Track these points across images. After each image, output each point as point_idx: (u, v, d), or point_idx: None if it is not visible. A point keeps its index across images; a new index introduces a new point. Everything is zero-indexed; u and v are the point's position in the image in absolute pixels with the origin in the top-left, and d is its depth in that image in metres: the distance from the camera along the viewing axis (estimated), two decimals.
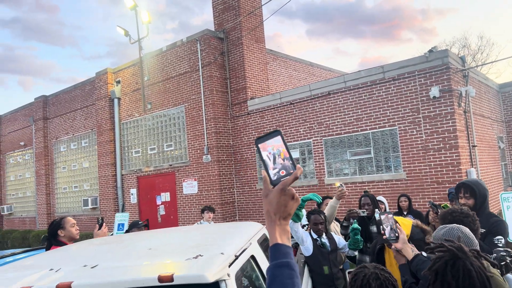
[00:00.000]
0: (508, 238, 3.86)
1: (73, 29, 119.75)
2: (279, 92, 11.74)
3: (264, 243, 2.98)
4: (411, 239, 3.64)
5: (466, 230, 2.20)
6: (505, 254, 2.13)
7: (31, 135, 18.44)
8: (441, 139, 8.64)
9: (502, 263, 2.07)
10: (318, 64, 17.05)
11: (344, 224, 4.42)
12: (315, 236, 4.06)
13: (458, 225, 2.26)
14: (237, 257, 2.14)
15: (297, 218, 3.64)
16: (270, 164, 1.10)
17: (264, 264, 2.60)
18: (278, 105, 11.32)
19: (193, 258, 1.99)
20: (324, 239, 4.06)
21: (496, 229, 2.96)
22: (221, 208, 11.57)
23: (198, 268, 1.82)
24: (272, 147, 1.11)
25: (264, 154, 1.11)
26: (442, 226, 2.30)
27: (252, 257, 2.46)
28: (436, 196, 8.55)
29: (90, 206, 14.91)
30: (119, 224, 8.77)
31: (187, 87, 12.48)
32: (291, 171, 1.08)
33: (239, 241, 2.45)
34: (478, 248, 2.10)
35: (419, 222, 3.66)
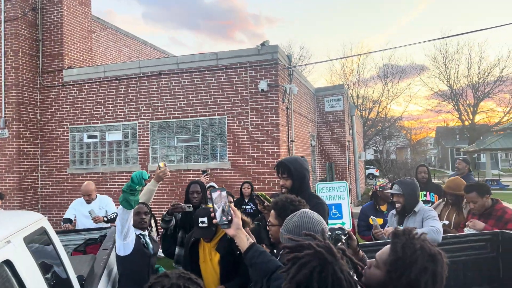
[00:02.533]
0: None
1: None
2: (104, 65, 10.39)
3: (39, 240, 2.16)
4: None
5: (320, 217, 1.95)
6: (340, 232, 1.88)
7: None
8: (265, 131, 8.91)
9: (339, 244, 1.82)
10: (152, 44, 16.03)
11: (166, 218, 3.79)
12: (137, 231, 3.28)
13: (310, 211, 1.96)
14: None
15: (128, 205, 2.80)
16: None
17: (30, 271, 1.81)
18: (102, 79, 9.99)
19: None
20: (148, 238, 3.34)
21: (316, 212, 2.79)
22: (18, 194, 9.58)
23: None
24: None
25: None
26: (291, 215, 1.95)
27: (7, 262, 1.65)
28: (256, 186, 8.78)
29: None
30: None
31: None
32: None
33: None
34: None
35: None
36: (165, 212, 3.77)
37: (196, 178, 9.26)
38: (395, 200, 3.64)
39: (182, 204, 3.66)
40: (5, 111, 9.67)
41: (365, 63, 56.80)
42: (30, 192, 9.94)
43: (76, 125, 10.11)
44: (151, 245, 3.30)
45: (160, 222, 3.82)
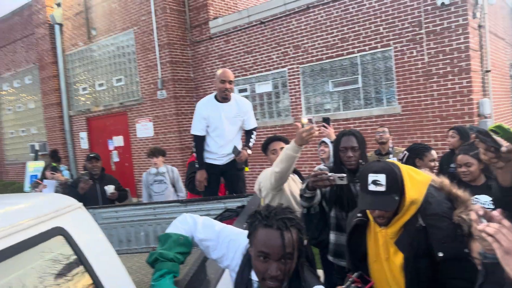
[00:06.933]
0: None
1: None
2: (247, 8, 9.45)
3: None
4: (423, 213, 1.85)
5: None
6: None
7: None
8: (448, 60, 6.67)
9: None
10: None
11: (306, 195, 2.34)
12: (254, 277, 1.54)
13: None
14: None
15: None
16: None
17: None
18: (246, 25, 9.10)
19: None
20: None
21: None
22: (180, 153, 9.73)
23: None
24: None
25: None
26: None
27: None
28: (438, 135, 6.76)
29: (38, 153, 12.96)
30: (31, 176, 6.89)
31: (136, 6, 10.11)
32: None
33: None
34: None
35: (444, 181, 1.86)
36: (304, 185, 2.30)
37: (356, 128, 7.74)
38: None
39: (330, 173, 2.18)
40: (161, 71, 9.75)
41: None
42: (190, 150, 10.02)
43: None
44: None
45: (299, 198, 2.46)
